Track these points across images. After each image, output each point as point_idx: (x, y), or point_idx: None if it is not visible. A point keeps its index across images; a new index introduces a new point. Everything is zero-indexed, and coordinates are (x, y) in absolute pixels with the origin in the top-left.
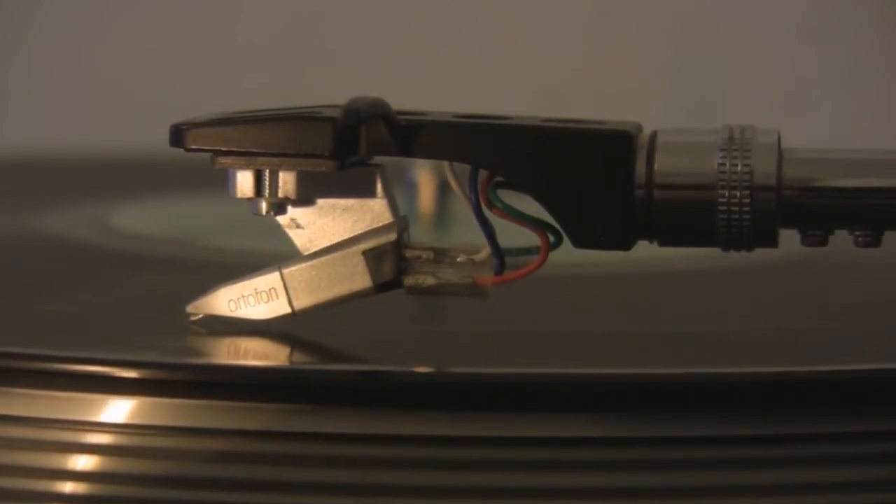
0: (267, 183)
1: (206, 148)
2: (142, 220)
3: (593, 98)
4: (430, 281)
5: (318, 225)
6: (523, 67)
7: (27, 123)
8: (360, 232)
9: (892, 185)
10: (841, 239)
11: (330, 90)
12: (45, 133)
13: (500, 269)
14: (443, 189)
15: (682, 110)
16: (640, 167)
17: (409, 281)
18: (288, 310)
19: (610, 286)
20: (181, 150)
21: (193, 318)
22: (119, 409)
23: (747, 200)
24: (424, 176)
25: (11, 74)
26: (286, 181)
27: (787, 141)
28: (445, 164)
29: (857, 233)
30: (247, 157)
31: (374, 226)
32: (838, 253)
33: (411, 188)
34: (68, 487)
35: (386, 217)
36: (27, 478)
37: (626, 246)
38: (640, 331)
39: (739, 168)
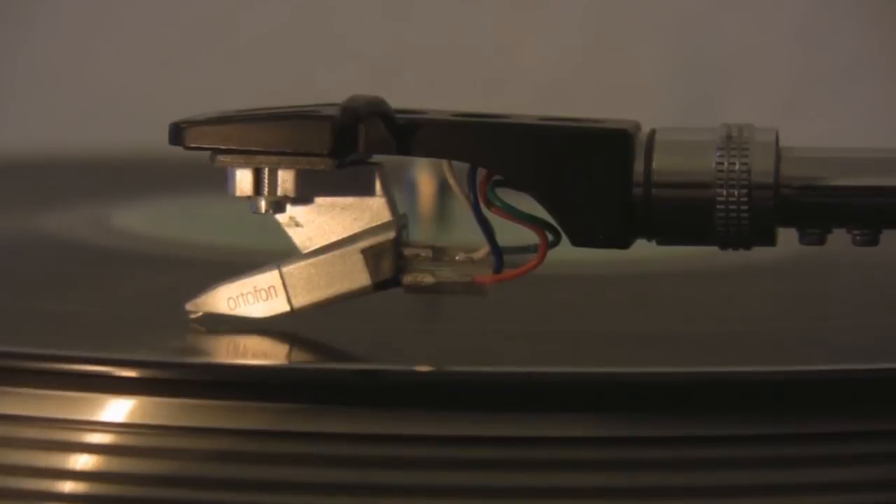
0: (266, 181)
1: (206, 146)
2: (142, 219)
3: (593, 98)
4: (428, 279)
5: (317, 223)
6: (523, 67)
7: (28, 123)
8: (358, 230)
9: (890, 184)
10: (839, 238)
11: (329, 89)
12: (45, 133)
13: (499, 267)
14: (442, 188)
15: (681, 110)
16: (639, 166)
17: (407, 279)
18: (287, 308)
19: (608, 285)
20: (181, 149)
21: (192, 317)
22: (119, 409)
23: (745, 199)
24: (424, 175)
25: (12, 74)
26: (285, 179)
27: (787, 141)
28: (444, 162)
29: (854, 231)
30: (246, 155)
31: (373, 224)
32: (836, 252)
33: (411, 187)
34: (68, 487)
35: (385, 215)
36: (27, 477)
37: (625, 244)
38: (639, 330)
39: (737, 167)
